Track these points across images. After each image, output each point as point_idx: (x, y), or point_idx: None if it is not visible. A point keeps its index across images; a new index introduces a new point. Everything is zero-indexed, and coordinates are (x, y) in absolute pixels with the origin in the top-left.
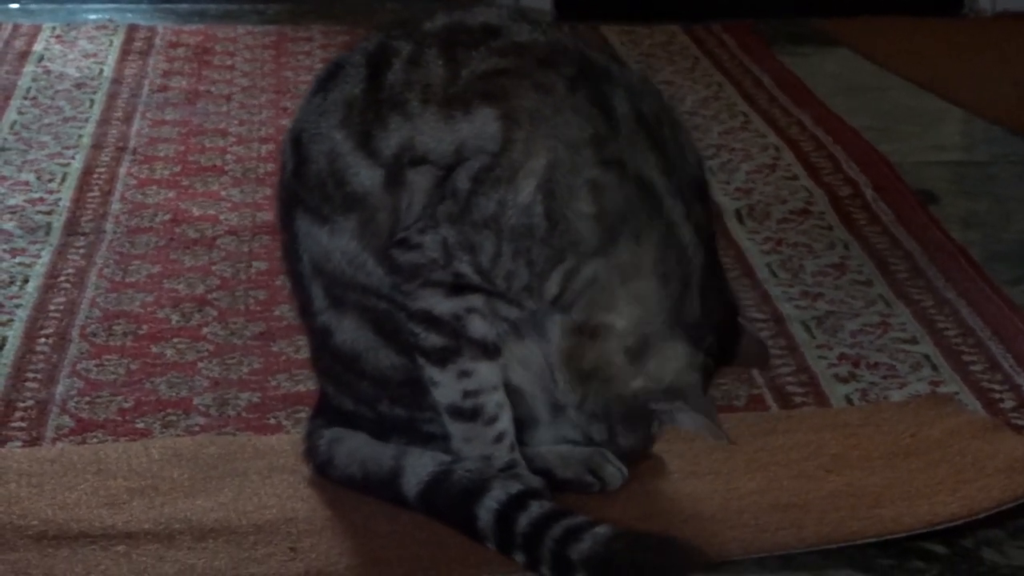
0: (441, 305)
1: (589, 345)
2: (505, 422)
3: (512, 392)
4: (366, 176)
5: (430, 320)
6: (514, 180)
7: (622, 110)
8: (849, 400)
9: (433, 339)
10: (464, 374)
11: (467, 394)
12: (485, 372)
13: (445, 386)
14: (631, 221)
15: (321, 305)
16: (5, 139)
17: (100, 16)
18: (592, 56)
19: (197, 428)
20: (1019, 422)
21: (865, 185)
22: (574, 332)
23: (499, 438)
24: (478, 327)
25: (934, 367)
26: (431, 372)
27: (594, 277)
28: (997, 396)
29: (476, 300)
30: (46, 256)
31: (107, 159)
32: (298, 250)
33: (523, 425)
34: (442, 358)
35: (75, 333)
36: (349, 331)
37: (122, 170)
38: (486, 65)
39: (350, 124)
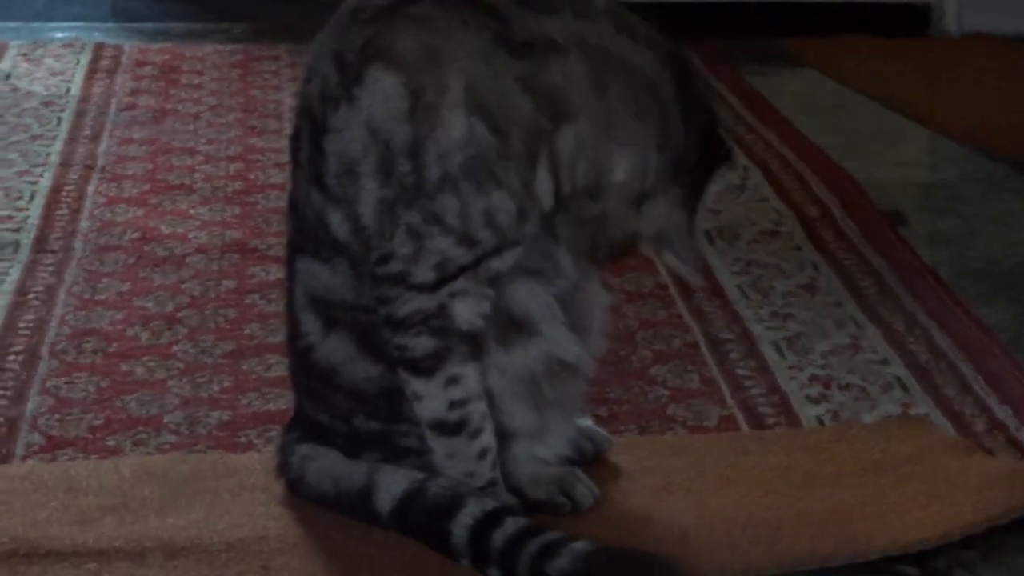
0: (427, 302)
1: (590, 204)
2: (488, 437)
3: (487, 397)
4: (338, 223)
5: (419, 321)
6: (439, 123)
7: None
8: (820, 421)
9: (423, 343)
10: (452, 381)
11: (453, 404)
12: (471, 377)
13: (431, 398)
14: (579, 86)
15: (311, 327)
16: None
17: (66, 34)
18: None
19: (167, 446)
20: (990, 443)
21: (834, 205)
22: (576, 197)
23: (482, 454)
24: (462, 312)
25: (905, 388)
26: (416, 386)
27: (576, 140)
28: (968, 417)
29: (458, 284)
30: (15, 273)
31: (75, 177)
32: (292, 285)
33: (498, 441)
34: (431, 366)
35: (45, 351)
36: (330, 345)
37: (90, 188)
38: (362, 37)
39: (313, 173)
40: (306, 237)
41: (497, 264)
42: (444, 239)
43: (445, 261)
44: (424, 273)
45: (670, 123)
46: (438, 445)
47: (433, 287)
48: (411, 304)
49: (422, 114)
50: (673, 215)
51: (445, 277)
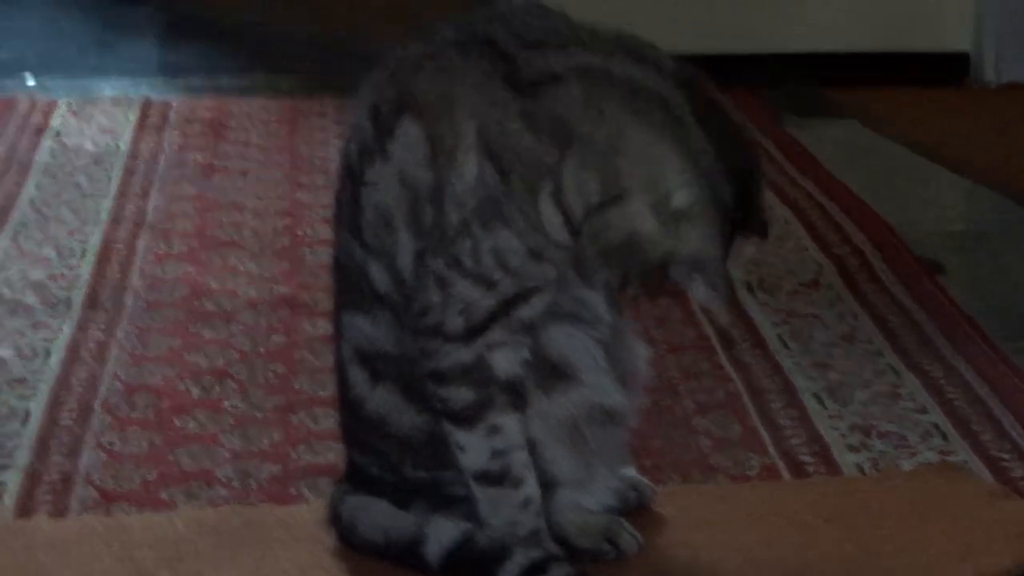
0: (465, 353)
1: (614, 213)
2: (531, 487)
3: (530, 445)
4: (379, 276)
5: (459, 373)
6: (455, 168)
7: (502, 35)
8: (860, 469)
9: (464, 394)
10: (493, 430)
11: (495, 454)
12: (513, 427)
13: (473, 449)
14: (578, 109)
15: (359, 379)
16: (24, 214)
17: (115, 91)
18: (471, 18)
19: (220, 500)
20: None
21: (873, 255)
22: (593, 212)
23: (525, 504)
24: (501, 362)
25: (943, 436)
26: (459, 437)
27: (580, 164)
28: (1006, 464)
29: (493, 335)
30: (67, 330)
31: (125, 234)
32: (339, 341)
33: (543, 489)
34: (472, 416)
35: (98, 406)
36: (378, 397)
37: (140, 244)
38: (395, 91)
39: (353, 228)
40: (350, 291)
41: (526, 312)
42: (463, 282)
43: (469, 307)
44: (453, 321)
45: (691, 136)
46: (482, 495)
47: (466, 338)
48: (450, 357)
49: (441, 160)
50: (709, 243)
51: (474, 326)
